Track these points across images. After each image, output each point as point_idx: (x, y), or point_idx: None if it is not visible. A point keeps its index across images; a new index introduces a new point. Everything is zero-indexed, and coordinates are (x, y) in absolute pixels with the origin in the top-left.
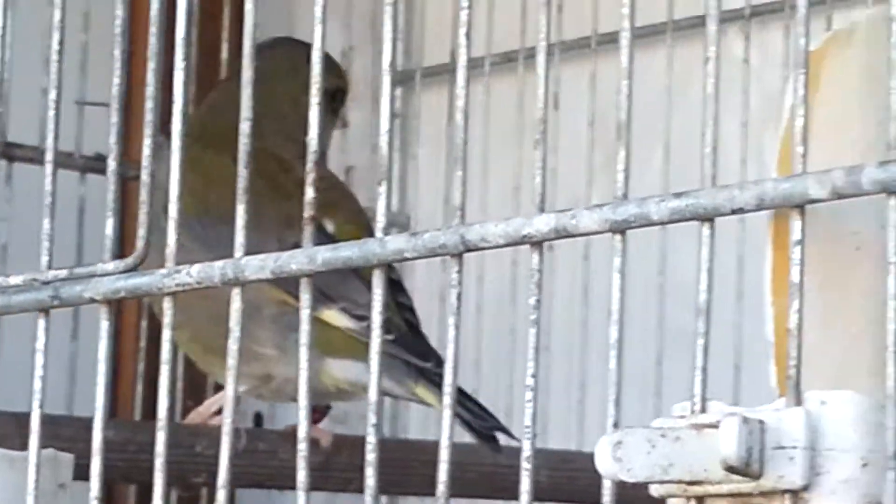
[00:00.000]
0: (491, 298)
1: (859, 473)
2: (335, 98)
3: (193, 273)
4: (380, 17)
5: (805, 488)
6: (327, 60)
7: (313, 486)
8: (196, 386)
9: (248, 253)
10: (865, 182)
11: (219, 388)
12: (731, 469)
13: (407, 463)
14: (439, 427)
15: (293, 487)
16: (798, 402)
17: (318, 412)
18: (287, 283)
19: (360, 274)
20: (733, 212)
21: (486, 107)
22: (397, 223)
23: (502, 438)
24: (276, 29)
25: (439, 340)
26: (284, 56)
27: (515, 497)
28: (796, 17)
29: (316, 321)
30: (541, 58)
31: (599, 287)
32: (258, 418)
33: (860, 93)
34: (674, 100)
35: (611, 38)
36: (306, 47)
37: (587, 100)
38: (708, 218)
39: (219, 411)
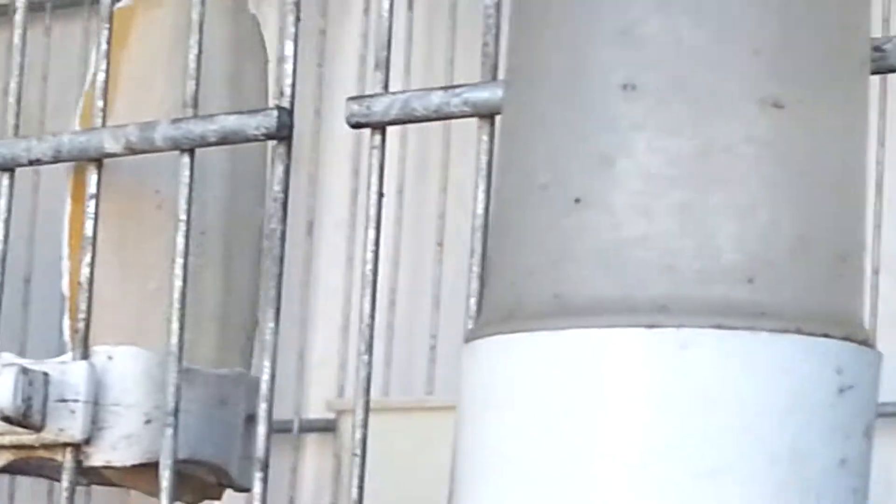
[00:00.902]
0: None
1: (142, 429)
2: None
3: None
4: None
5: (87, 442)
6: None
7: None
8: None
9: None
10: (158, 138)
11: None
12: (7, 419)
13: None
14: None
15: None
16: (85, 355)
17: None
18: None
19: None
20: (31, 163)
21: None
22: None
23: None
24: None
25: None
26: None
27: None
28: None
29: None
30: None
31: None
32: None
33: (168, 52)
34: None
35: None
36: None
37: None
38: (8, 168)
39: None
